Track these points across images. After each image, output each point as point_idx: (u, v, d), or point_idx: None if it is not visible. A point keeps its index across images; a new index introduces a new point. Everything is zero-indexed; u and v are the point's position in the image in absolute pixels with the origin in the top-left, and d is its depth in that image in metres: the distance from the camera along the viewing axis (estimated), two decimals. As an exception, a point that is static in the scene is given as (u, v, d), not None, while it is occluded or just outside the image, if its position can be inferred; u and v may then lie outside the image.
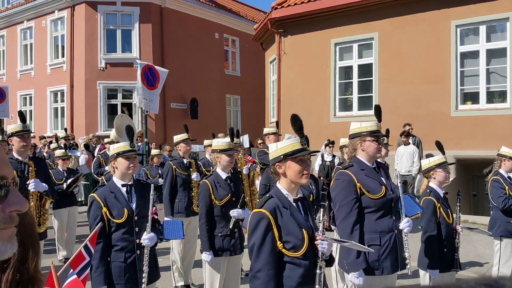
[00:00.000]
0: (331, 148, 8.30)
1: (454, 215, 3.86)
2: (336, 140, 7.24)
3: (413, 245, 4.91)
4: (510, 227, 4.70)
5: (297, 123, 2.45)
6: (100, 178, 8.08)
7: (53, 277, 2.13)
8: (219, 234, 3.99)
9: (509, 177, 4.84)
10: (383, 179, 3.20)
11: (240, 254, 4.14)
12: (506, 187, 4.70)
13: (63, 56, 16.49)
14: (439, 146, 4.00)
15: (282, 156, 2.35)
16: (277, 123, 7.19)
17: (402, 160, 9.17)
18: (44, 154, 10.72)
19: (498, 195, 4.72)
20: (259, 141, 10.11)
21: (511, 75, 9.42)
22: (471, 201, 10.24)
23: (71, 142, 11.80)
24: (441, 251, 3.69)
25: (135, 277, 3.14)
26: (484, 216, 8.51)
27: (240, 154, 6.03)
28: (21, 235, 1.22)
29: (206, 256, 3.96)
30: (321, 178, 7.85)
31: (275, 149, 2.41)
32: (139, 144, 10.63)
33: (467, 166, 9.92)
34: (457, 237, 3.80)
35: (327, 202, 2.51)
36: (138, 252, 3.15)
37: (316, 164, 8.50)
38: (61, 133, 12.40)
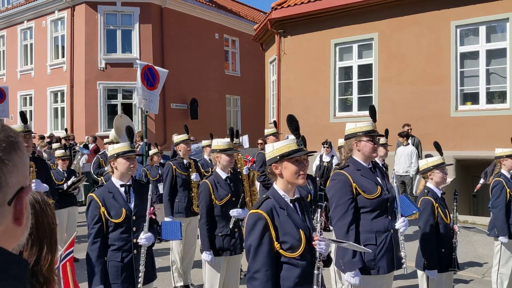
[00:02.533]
0: (327, 148, 8.29)
1: (452, 215, 3.87)
2: (335, 140, 7.23)
3: (411, 246, 4.92)
4: (510, 228, 4.69)
5: (293, 124, 2.45)
6: (99, 179, 8.09)
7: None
8: (219, 234, 4.01)
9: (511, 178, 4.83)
10: (379, 179, 3.20)
11: (240, 254, 4.15)
12: (508, 190, 4.69)
13: (63, 56, 16.50)
14: (437, 147, 4.01)
15: (278, 157, 2.36)
16: (275, 122, 7.18)
17: (400, 160, 9.17)
18: (44, 154, 10.72)
19: (497, 199, 4.71)
20: (259, 141, 10.12)
21: (511, 75, 9.41)
22: (471, 202, 10.24)
23: (72, 142, 11.81)
24: (439, 251, 3.69)
25: (132, 276, 3.15)
26: (484, 217, 8.51)
27: (239, 154, 6.04)
28: (39, 235, 1.22)
29: (206, 256, 3.97)
30: (318, 178, 7.83)
31: (271, 149, 2.41)
32: (140, 143, 10.60)
33: (467, 166, 9.92)
34: (454, 237, 3.80)
35: (325, 202, 2.51)
36: (135, 251, 3.17)
37: (314, 164, 8.50)
38: (61, 133, 12.41)
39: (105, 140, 10.09)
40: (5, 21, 18.47)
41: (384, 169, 3.81)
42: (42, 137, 13.11)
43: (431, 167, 3.82)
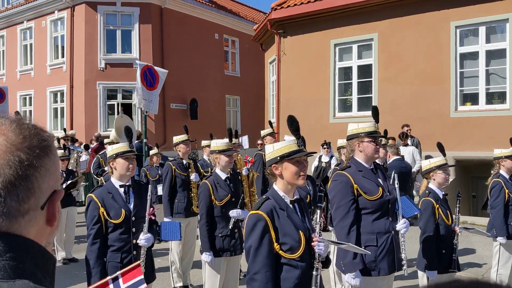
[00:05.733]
0: (326, 149, 8.27)
1: (454, 216, 3.86)
2: (334, 141, 7.22)
3: (411, 246, 4.91)
4: (509, 228, 4.69)
5: (293, 124, 2.45)
6: (99, 179, 8.08)
7: None
8: (219, 235, 4.00)
9: (510, 179, 4.82)
10: (380, 180, 3.19)
11: (240, 255, 4.14)
12: (506, 191, 4.68)
13: (63, 56, 16.50)
14: (440, 148, 4.00)
15: (278, 158, 2.35)
16: (270, 122, 7.17)
17: (401, 161, 9.15)
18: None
19: (496, 200, 4.71)
20: (259, 142, 10.11)
21: (510, 76, 9.41)
22: (471, 202, 10.23)
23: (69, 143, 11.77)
24: (440, 252, 3.69)
25: (131, 277, 3.14)
26: (483, 217, 8.50)
27: (239, 155, 6.02)
28: None
29: (206, 257, 3.96)
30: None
31: (271, 150, 2.40)
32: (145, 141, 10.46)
33: (467, 167, 9.91)
34: (455, 238, 3.80)
35: (324, 203, 2.50)
36: (134, 252, 3.16)
37: (313, 165, 8.48)
38: (60, 133, 12.37)
39: (106, 140, 10.09)
40: (5, 21, 18.46)
41: (385, 170, 3.81)
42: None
43: (434, 168, 3.81)
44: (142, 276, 2.65)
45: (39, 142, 0.85)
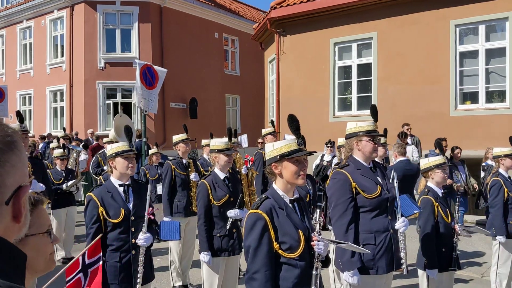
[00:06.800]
0: (330, 148, 8.26)
1: (454, 214, 3.86)
2: (334, 139, 7.22)
3: (411, 245, 4.90)
4: (508, 227, 4.69)
5: (293, 123, 2.44)
6: (98, 178, 8.07)
7: None
8: (218, 235, 3.99)
9: (509, 178, 4.82)
10: (379, 178, 3.19)
11: (239, 255, 4.13)
12: (506, 189, 4.68)
13: (62, 55, 16.49)
14: (439, 147, 3.99)
15: (278, 157, 2.34)
16: (272, 121, 7.15)
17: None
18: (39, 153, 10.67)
19: (495, 198, 4.70)
20: (259, 141, 10.08)
21: (510, 74, 9.40)
22: (470, 201, 10.23)
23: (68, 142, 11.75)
24: (440, 251, 3.68)
25: (130, 277, 3.13)
26: (483, 216, 8.49)
27: (238, 154, 6.02)
28: None
29: (204, 257, 3.95)
30: (314, 177, 7.73)
31: (271, 149, 2.39)
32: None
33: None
34: (455, 236, 3.79)
35: (324, 202, 2.50)
36: (133, 252, 3.15)
37: (314, 164, 8.47)
38: (60, 133, 12.36)
39: (105, 140, 10.07)
40: (4, 20, 18.45)
41: (384, 169, 3.81)
42: (43, 137, 13.07)
43: (432, 166, 3.81)
44: (101, 254, 2.82)
45: (2, 138, 0.85)
